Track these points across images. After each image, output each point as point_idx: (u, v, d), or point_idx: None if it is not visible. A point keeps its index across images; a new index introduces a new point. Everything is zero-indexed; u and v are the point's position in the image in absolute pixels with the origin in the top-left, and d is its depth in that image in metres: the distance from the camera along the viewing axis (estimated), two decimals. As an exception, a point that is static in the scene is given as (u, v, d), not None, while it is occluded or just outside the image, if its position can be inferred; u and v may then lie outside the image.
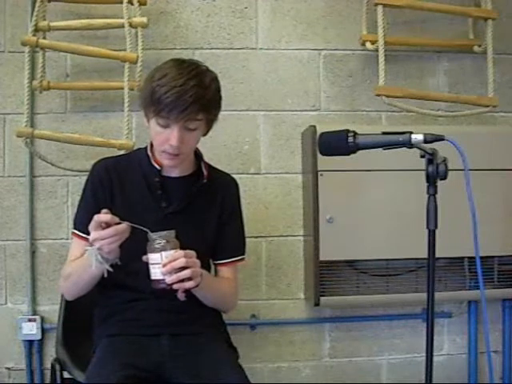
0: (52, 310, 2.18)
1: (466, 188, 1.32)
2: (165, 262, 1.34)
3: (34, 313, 2.22)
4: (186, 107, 1.39)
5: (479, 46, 2.31)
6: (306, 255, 2.27)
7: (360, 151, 1.39)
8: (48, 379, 1.99)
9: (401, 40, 2.29)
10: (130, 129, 2.07)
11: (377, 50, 2.17)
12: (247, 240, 1.73)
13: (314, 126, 2.11)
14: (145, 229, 1.34)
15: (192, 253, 1.39)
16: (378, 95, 2.17)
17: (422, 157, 1.31)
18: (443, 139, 1.32)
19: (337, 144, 1.40)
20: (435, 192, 1.30)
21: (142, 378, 1.40)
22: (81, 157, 2.21)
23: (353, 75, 2.35)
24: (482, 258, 1.37)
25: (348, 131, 1.38)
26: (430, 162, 1.29)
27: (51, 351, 2.16)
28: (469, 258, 2.16)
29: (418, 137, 1.32)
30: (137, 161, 1.61)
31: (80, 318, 1.78)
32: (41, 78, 2.07)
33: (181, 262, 1.34)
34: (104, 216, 1.32)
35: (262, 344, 2.32)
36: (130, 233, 1.35)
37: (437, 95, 2.32)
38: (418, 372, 2.35)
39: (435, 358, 1.37)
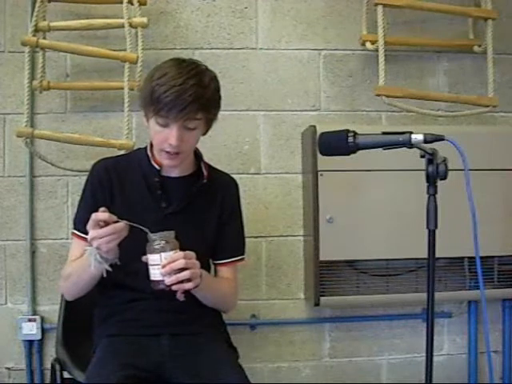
0: (52, 309, 2.18)
1: (466, 188, 1.31)
2: (164, 263, 1.34)
3: (34, 313, 2.22)
4: (185, 106, 1.39)
5: (479, 46, 2.31)
6: (306, 255, 2.27)
7: (360, 151, 1.39)
8: (48, 379, 1.99)
9: (401, 40, 2.29)
10: (130, 129, 2.07)
11: (377, 50, 2.17)
12: (247, 240, 1.73)
13: (314, 126, 2.11)
14: (143, 228, 1.34)
15: (191, 254, 1.39)
16: (378, 95, 2.17)
17: (422, 157, 1.31)
18: (443, 139, 1.32)
19: (337, 144, 1.40)
20: (435, 192, 1.30)
21: (142, 378, 1.40)
22: (81, 157, 2.21)
23: (353, 75, 2.35)
24: (482, 257, 1.37)
25: (348, 131, 1.38)
26: (429, 161, 1.29)
27: (51, 351, 2.16)
28: (469, 258, 2.16)
29: (417, 137, 1.32)
30: (136, 161, 1.61)
31: (80, 318, 1.78)
32: (41, 78, 2.07)
33: (180, 263, 1.34)
34: (101, 214, 1.32)
35: (261, 344, 2.32)
36: (130, 232, 1.35)
37: (437, 95, 2.32)
38: (417, 372, 2.35)
39: (435, 358, 1.37)
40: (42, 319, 2.21)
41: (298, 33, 2.32)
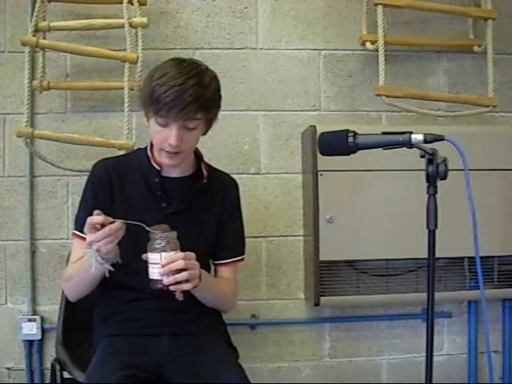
0: (52, 309, 2.18)
1: (466, 188, 1.31)
2: (163, 263, 1.34)
3: (34, 313, 2.22)
4: (185, 106, 1.39)
5: (479, 46, 2.31)
6: (306, 255, 2.27)
7: (360, 151, 1.39)
8: (48, 379, 1.99)
9: (401, 40, 2.29)
10: (130, 129, 2.07)
11: (377, 50, 2.17)
12: (247, 240, 1.73)
13: (314, 126, 2.11)
14: (139, 224, 1.34)
15: (191, 255, 1.39)
16: (378, 95, 2.17)
17: (422, 157, 1.31)
18: (443, 139, 1.32)
19: (337, 144, 1.40)
20: (435, 192, 1.30)
21: (142, 378, 1.40)
22: (81, 157, 2.21)
23: (353, 75, 2.35)
24: (482, 257, 1.37)
25: (348, 131, 1.38)
26: (430, 161, 1.29)
27: (51, 351, 2.16)
28: (469, 258, 2.16)
29: (417, 137, 1.32)
30: (136, 161, 1.61)
31: (80, 318, 1.78)
32: (41, 77, 2.07)
33: (179, 264, 1.34)
34: (96, 218, 1.32)
35: (261, 344, 2.32)
36: (130, 232, 1.35)
37: (437, 95, 2.32)
38: (418, 372, 2.35)
39: (435, 358, 1.37)
40: (42, 319, 2.21)
41: (298, 33, 2.32)
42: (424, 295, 1.32)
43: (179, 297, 1.40)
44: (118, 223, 1.32)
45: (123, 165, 1.61)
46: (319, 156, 1.61)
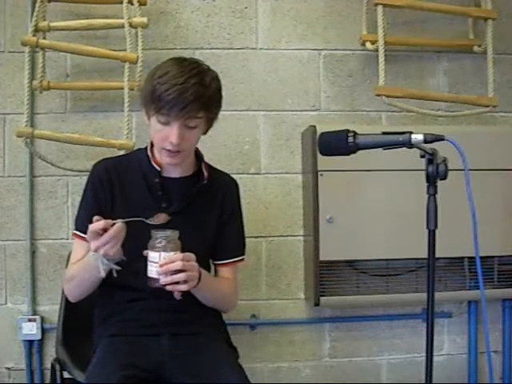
0: (52, 309, 2.18)
1: (466, 188, 1.31)
2: (161, 263, 1.34)
3: (34, 313, 2.22)
4: (186, 105, 1.39)
5: (479, 46, 2.31)
6: (306, 255, 2.27)
7: (360, 151, 1.39)
8: (48, 379, 1.99)
9: (401, 40, 2.29)
10: (130, 129, 2.07)
11: (377, 50, 2.17)
12: (247, 240, 1.73)
13: (314, 126, 2.11)
14: (138, 219, 1.35)
15: (191, 256, 1.39)
16: (378, 95, 2.17)
17: (422, 157, 1.31)
18: (443, 139, 1.32)
19: (337, 144, 1.40)
20: (435, 192, 1.30)
21: (142, 378, 1.40)
22: (81, 157, 2.21)
23: (353, 75, 2.35)
24: (482, 257, 1.37)
25: (348, 131, 1.38)
26: (430, 161, 1.29)
27: (51, 351, 2.16)
28: (469, 258, 2.16)
29: (417, 137, 1.32)
30: (137, 161, 1.61)
31: (80, 318, 1.78)
32: (41, 78, 2.07)
33: (177, 264, 1.34)
34: (97, 224, 1.32)
35: (262, 344, 2.32)
36: (130, 232, 1.35)
37: (437, 95, 2.32)
38: (418, 372, 2.35)
39: (435, 358, 1.37)
40: (42, 319, 2.21)
41: (297, 33, 2.32)
42: (424, 295, 1.32)
43: (177, 296, 1.41)
44: (120, 224, 1.33)
45: (123, 165, 1.61)
46: (319, 156, 1.61)
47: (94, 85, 2.18)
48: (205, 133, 1.56)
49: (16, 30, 2.18)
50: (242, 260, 1.70)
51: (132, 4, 2.09)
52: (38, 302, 2.23)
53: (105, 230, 1.32)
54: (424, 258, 1.31)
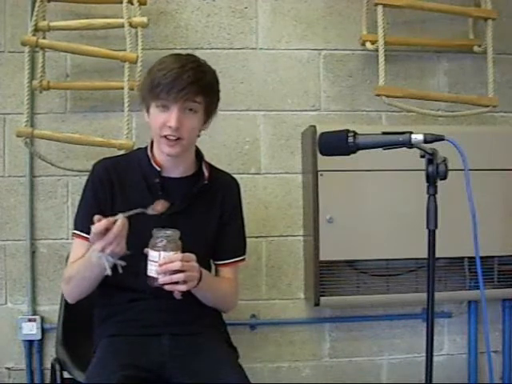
0: (52, 309, 2.18)
1: (466, 188, 1.32)
2: (161, 263, 1.35)
3: (34, 313, 2.21)
4: (184, 87, 1.42)
5: (479, 46, 2.31)
6: (306, 255, 2.27)
7: (360, 151, 1.39)
8: (48, 379, 1.99)
9: (401, 40, 2.29)
10: (129, 129, 2.07)
11: (377, 50, 2.17)
12: (247, 240, 1.73)
13: (314, 126, 2.11)
14: (138, 211, 1.36)
15: (190, 256, 1.40)
16: (378, 95, 2.17)
17: (422, 157, 1.31)
18: (443, 139, 1.32)
19: (337, 144, 1.40)
20: (435, 192, 1.30)
21: (143, 378, 1.40)
22: (81, 157, 2.21)
23: (353, 75, 2.35)
24: (482, 257, 1.37)
25: (348, 131, 1.38)
26: (430, 161, 1.30)
27: (51, 351, 2.16)
28: (469, 258, 2.16)
29: (417, 137, 1.33)
30: (136, 161, 1.61)
31: (80, 318, 1.78)
32: (41, 77, 2.07)
33: (176, 265, 1.35)
34: (99, 224, 1.32)
35: (261, 344, 2.32)
36: (130, 233, 1.35)
37: (437, 95, 2.32)
38: (418, 372, 2.35)
39: (435, 358, 1.37)
40: (42, 319, 2.21)
41: (297, 33, 2.32)
42: (424, 295, 1.32)
43: (177, 295, 1.41)
44: (122, 221, 1.33)
45: (123, 165, 1.61)
46: (319, 156, 1.61)
47: (94, 85, 2.18)
48: (203, 128, 1.56)
49: (16, 30, 2.18)
50: (243, 260, 1.70)
51: (132, 4, 2.09)
52: (37, 301, 2.23)
53: (107, 229, 1.32)
54: (424, 258, 1.31)
